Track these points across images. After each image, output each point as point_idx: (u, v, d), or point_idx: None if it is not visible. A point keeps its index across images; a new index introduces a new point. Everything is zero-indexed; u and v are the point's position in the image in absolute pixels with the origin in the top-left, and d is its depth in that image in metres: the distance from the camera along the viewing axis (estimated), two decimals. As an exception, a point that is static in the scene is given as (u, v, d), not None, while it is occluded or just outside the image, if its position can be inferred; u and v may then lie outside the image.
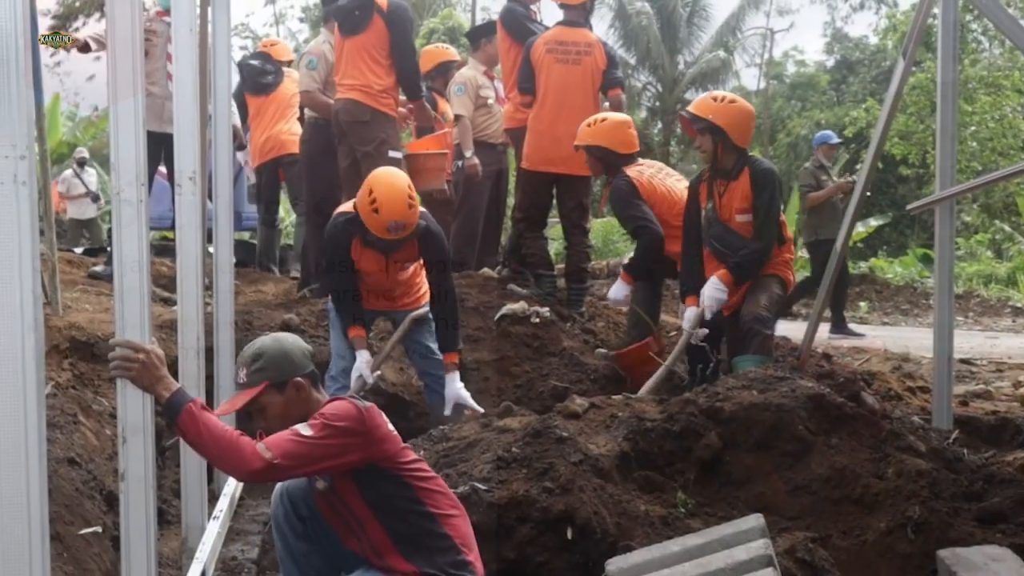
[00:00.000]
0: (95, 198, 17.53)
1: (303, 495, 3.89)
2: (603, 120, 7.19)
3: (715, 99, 6.57)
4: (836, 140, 13.04)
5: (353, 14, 7.83)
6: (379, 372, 6.44)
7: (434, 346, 6.40)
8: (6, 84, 2.28)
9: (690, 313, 6.48)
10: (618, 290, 7.25)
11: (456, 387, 6.18)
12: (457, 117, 8.86)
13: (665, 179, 7.27)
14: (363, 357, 6.20)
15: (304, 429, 3.49)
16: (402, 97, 8.18)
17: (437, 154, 8.14)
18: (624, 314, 7.97)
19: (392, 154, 7.81)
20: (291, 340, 3.86)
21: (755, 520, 3.73)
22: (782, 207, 6.78)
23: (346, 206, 6.26)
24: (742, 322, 6.36)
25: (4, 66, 2.28)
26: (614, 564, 3.78)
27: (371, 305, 6.40)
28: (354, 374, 6.18)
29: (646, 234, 6.98)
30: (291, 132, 9.99)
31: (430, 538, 3.66)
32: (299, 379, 3.71)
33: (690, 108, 6.61)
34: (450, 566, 3.63)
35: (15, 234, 2.34)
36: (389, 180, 5.96)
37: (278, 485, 3.95)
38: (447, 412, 6.19)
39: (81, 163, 17.71)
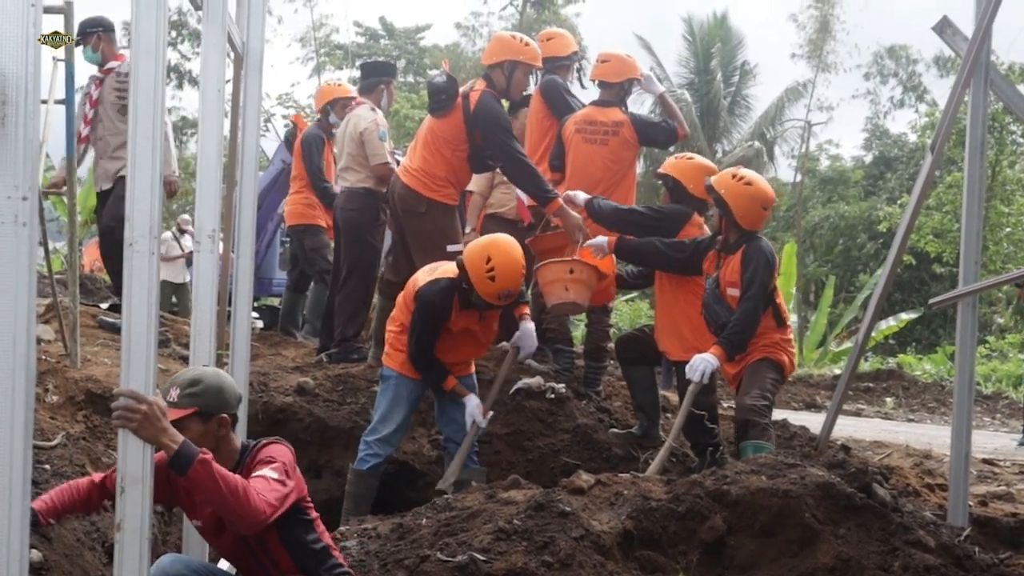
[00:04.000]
0: (190, 263, 17.50)
1: (188, 570, 4.14)
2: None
3: (734, 176, 6.64)
4: None
5: (440, 96, 7.63)
6: (491, 414, 6.64)
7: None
8: (13, 126, 2.33)
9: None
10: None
11: (528, 331, 6.79)
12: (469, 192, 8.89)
13: None
14: (473, 401, 6.49)
15: (272, 473, 3.78)
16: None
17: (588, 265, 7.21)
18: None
19: (451, 248, 7.55)
20: (230, 380, 4.04)
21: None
22: (777, 287, 6.77)
23: (435, 274, 6.43)
24: (736, 413, 6.38)
25: (12, 108, 2.33)
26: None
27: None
28: (468, 419, 6.44)
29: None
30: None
31: (331, 569, 4.07)
32: (224, 416, 3.91)
33: (712, 178, 6.68)
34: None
35: (13, 274, 2.37)
36: (508, 252, 6.22)
37: (159, 573, 4.06)
38: (522, 357, 7.03)
39: (181, 230, 17.62)
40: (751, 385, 6.44)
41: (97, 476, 4.10)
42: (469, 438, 6.47)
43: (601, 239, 7.18)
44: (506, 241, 6.33)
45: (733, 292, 6.50)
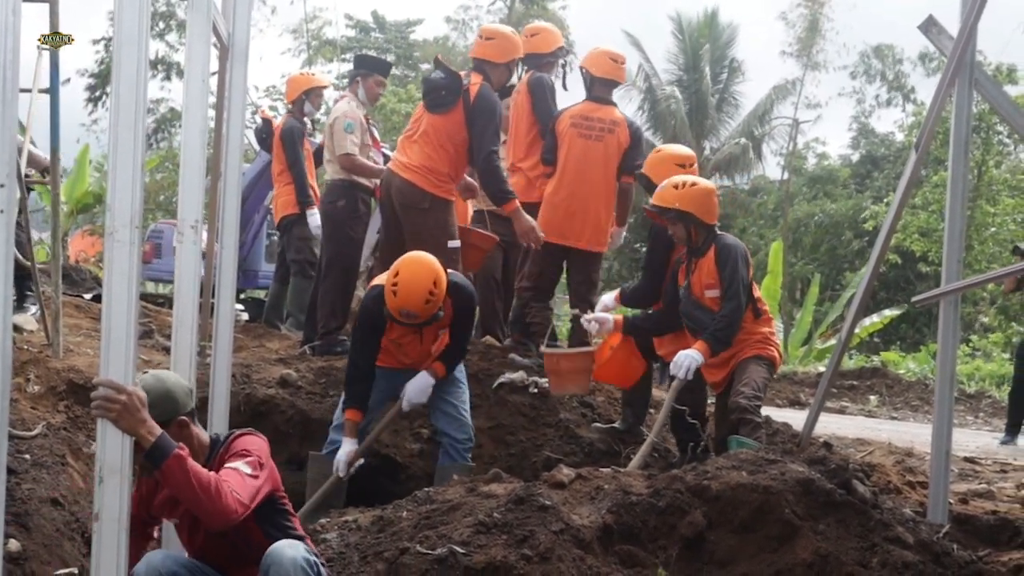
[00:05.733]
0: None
1: (179, 566, 4.07)
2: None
3: (676, 187, 6.67)
4: None
5: (440, 93, 7.64)
6: (361, 462, 6.42)
7: (463, 408, 6.52)
8: (-8, 114, 2.32)
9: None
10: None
11: (419, 383, 6.37)
12: None
13: None
14: (347, 447, 6.29)
15: (245, 467, 3.77)
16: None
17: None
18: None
19: (451, 244, 7.60)
20: (173, 379, 3.99)
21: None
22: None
23: (381, 278, 6.32)
24: (729, 411, 6.41)
25: (-9, 96, 2.33)
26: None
27: (400, 364, 6.50)
28: (334, 464, 6.30)
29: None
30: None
31: None
32: (182, 417, 3.89)
33: (654, 201, 6.74)
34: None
35: (-10, 260, 2.37)
36: (415, 271, 6.01)
37: (151, 570, 4.00)
38: (405, 407, 6.41)
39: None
40: (744, 383, 6.48)
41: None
42: (330, 481, 6.33)
43: (607, 317, 7.13)
44: (421, 261, 6.12)
45: (711, 294, 6.56)
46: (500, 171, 7.69)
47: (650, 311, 7.26)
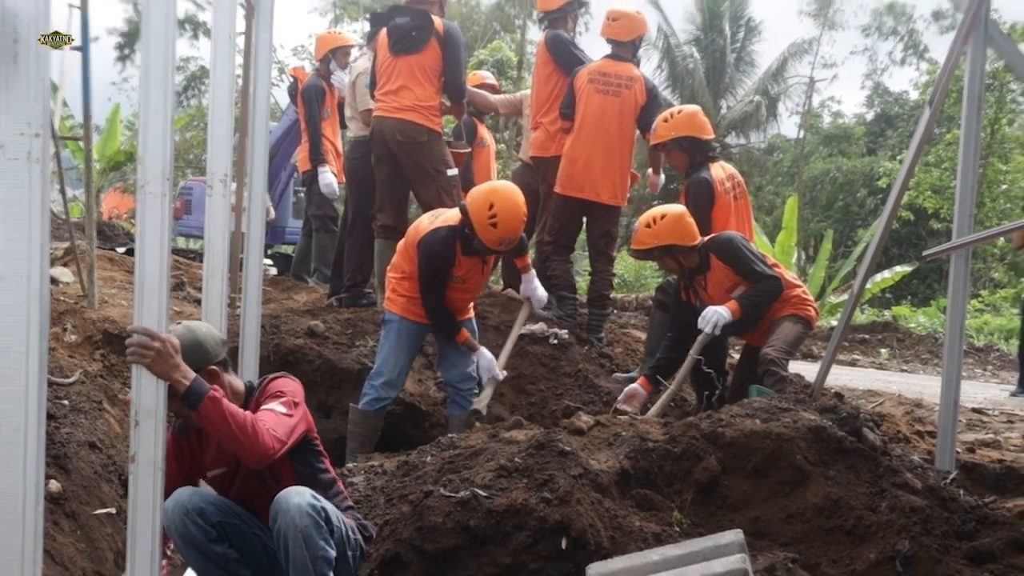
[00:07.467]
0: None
1: (206, 503, 4.11)
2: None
3: (650, 225, 6.76)
4: None
5: (410, 34, 7.94)
6: (504, 373, 6.79)
7: (470, 360, 6.66)
8: (25, 64, 2.42)
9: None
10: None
11: (535, 285, 7.01)
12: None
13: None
14: (487, 355, 6.60)
15: (279, 407, 3.86)
16: None
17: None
18: (642, 341, 8.13)
19: (450, 172, 7.97)
20: (204, 329, 4.06)
21: (734, 535, 3.80)
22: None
23: (436, 222, 6.48)
24: (759, 361, 6.51)
25: (24, 47, 2.42)
26: (594, 569, 3.87)
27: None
28: (484, 374, 6.60)
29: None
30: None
31: (336, 498, 4.19)
32: (213, 367, 3.96)
33: (634, 248, 6.85)
34: (348, 513, 4.20)
35: (26, 209, 2.48)
36: (511, 199, 6.25)
37: (178, 506, 4.06)
38: (537, 307, 7.02)
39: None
40: (777, 337, 6.59)
41: None
42: (489, 388, 6.64)
43: (635, 389, 6.85)
44: (508, 188, 6.38)
45: (740, 292, 6.66)
46: (465, 85, 8.38)
47: (660, 354, 7.08)
